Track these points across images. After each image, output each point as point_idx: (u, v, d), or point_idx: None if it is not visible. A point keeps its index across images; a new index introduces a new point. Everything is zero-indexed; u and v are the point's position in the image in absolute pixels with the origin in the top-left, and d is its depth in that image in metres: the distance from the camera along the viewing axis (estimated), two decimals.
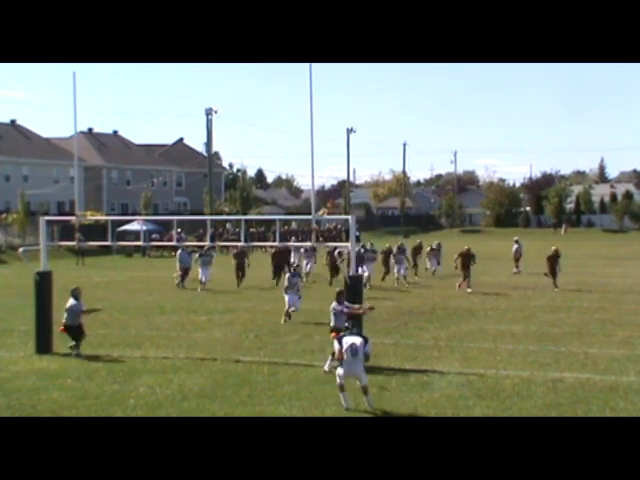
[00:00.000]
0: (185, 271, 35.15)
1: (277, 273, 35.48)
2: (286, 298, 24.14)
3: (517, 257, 40.58)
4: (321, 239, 58.54)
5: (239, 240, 39.86)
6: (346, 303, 17.30)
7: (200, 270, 34.10)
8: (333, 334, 17.50)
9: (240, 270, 34.98)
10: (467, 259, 32.39)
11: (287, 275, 24.95)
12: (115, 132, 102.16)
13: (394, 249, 35.64)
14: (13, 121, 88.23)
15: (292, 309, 24.05)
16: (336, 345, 14.22)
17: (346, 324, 16.31)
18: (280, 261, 35.75)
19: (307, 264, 37.69)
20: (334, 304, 17.61)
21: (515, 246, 40.97)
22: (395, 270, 34.99)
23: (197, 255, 34.67)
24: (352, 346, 13.91)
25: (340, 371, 14.01)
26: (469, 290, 31.13)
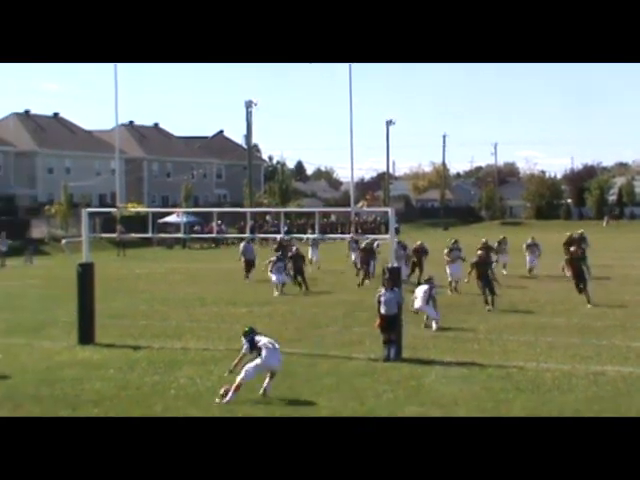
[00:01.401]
0: (248, 263, 34.32)
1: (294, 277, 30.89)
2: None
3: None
4: (360, 231, 58.56)
5: (279, 232, 39.25)
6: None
7: (274, 276, 30.08)
8: (378, 322, 17.64)
9: (299, 274, 30.83)
10: (577, 264, 25.75)
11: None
12: (156, 124, 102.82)
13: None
14: (56, 114, 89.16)
15: None
16: (245, 345, 14.22)
17: None
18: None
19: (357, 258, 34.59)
20: (382, 291, 17.81)
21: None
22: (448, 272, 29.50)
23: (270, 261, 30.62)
24: (265, 342, 14.12)
25: (247, 370, 13.93)
26: (589, 306, 24.64)
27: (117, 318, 23.55)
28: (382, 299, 17.62)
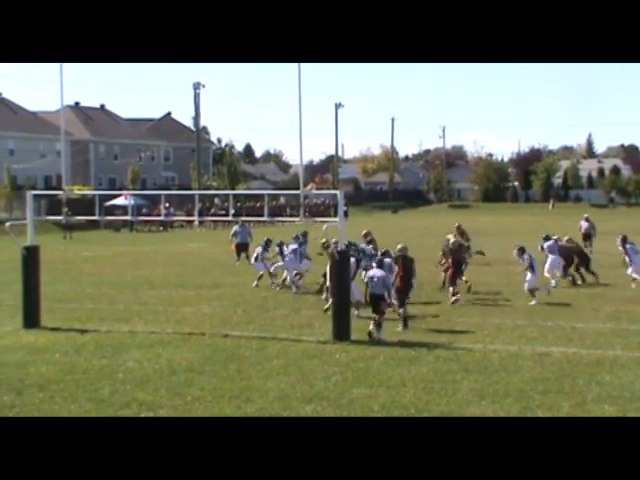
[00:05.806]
0: (239, 246, 32.52)
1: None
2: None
3: (585, 236, 37.11)
4: (307, 214, 58.45)
5: (227, 215, 38.69)
6: None
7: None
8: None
9: None
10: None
11: None
12: (102, 106, 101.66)
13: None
14: None
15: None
16: None
17: None
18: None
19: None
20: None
21: (585, 224, 37.91)
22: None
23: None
24: None
25: None
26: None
27: (63, 302, 23.26)
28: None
